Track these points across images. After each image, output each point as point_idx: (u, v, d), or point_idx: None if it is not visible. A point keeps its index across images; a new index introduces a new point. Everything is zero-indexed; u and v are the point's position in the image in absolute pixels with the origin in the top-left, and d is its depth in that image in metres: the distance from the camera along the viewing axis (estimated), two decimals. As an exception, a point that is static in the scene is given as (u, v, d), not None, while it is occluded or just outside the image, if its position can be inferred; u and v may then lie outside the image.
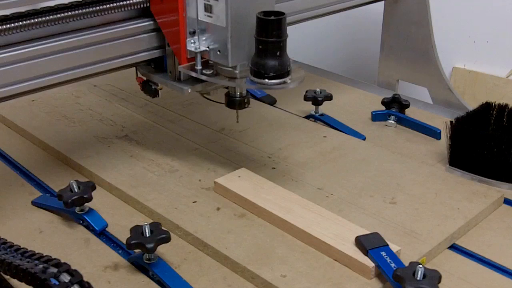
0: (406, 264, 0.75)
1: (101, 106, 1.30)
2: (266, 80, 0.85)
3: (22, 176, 1.05)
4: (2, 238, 0.75)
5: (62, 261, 0.67)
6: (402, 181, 1.00)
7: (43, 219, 0.92)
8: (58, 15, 0.86)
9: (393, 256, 0.78)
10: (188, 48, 0.91)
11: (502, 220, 0.93)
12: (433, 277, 0.73)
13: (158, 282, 0.79)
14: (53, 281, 0.65)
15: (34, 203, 0.96)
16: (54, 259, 0.68)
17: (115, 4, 0.91)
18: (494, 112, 1.04)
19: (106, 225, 0.90)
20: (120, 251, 0.85)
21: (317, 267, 0.80)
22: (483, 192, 0.97)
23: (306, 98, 1.24)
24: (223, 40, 0.87)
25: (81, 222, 0.91)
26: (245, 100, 0.98)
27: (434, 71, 1.43)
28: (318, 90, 1.24)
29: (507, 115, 1.03)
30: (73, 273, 0.66)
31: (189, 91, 0.95)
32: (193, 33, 0.91)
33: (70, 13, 0.87)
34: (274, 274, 0.78)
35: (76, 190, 0.89)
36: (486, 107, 1.06)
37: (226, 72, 0.90)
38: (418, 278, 0.72)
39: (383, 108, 1.26)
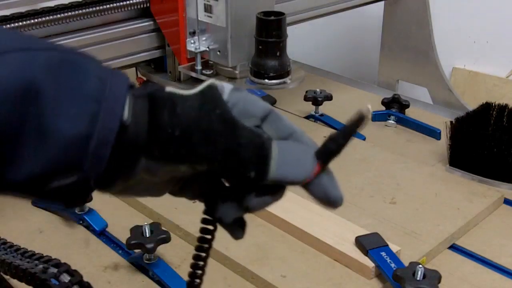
0: (406, 264, 0.75)
1: (101, 106, 1.30)
2: (266, 80, 0.85)
3: (22, 176, 1.05)
4: (2, 239, 0.75)
5: (62, 261, 0.68)
6: (402, 181, 1.00)
7: (43, 219, 0.92)
8: (58, 15, 0.86)
9: (393, 256, 0.78)
10: (188, 48, 0.91)
11: (502, 220, 0.93)
12: (433, 277, 0.73)
13: (158, 282, 0.79)
14: (53, 281, 0.65)
15: (34, 203, 0.96)
16: (54, 259, 0.68)
17: (115, 5, 0.91)
18: (494, 112, 1.04)
19: (106, 225, 0.90)
20: (120, 251, 0.85)
21: (317, 267, 0.80)
22: (483, 192, 0.97)
23: (306, 98, 1.24)
24: (223, 40, 0.88)
25: (81, 222, 0.91)
26: (245, 100, 0.98)
27: (434, 71, 1.44)
28: (318, 90, 1.24)
29: (507, 115, 1.03)
30: (73, 273, 0.66)
31: (189, 91, 0.95)
32: (193, 33, 0.91)
33: (70, 13, 0.87)
34: (274, 274, 0.78)
35: (76, 190, 0.89)
36: (486, 107, 1.06)
37: (226, 72, 0.90)
38: (418, 278, 0.72)
39: (383, 108, 1.26)
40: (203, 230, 0.53)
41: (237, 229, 0.52)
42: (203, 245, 0.54)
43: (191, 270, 0.55)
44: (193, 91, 0.45)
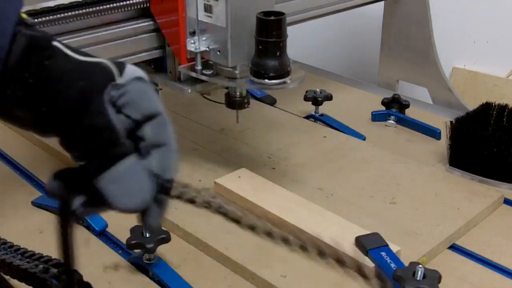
0: (406, 264, 0.75)
1: (101, 106, 1.30)
2: (266, 80, 0.85)
3: (22, 176, 1.05)
4: (2, 239, 0.75)
5: (62, 261, 0.67)
6: (402, 181, 1.00)
7: (43, 219, 0.92)
8: (58, 15, 0.86)
9: (393, 256, 0.78)
10: (188, 48, 0.91)
11: (502, 220, 0.93)
12: (433, 277, 0.73)
13: (158, 282, 0.79)
14: (54, 281, 0.65)
15: (34, 203, 0.96)
16: (54, 259, 0.68)
17: (115, 5, 0.91)
18: (494, 112, 1.04)
19: (106, 225, 0.90)
20: (120, 251, 0.85)
21: (317, 267, 0.80)
22: (483, 192, 0.97)
23: (306, 98, 1.24)
24: (223, 40, 0.87)
25: (81, 222, 0.91)
26: (245, 101, 0.98)
27: (434, 71, 1.43)
28: (318, 90, 1.24)
29: (507, 115, 1.03)
30: (73, 274, 0.66)
31: (189, 91, 0.95)
32: (193, 33, 0.91)
33: (70, 13, 0.87)
34: (274, 274, 0.78)
35: (76, 190, 0.89)
36: (486, 107, 1.06)
37: (226, 72, 0.90)
38: (418, 278, 0.72)
39: (383, 108, 1.26)
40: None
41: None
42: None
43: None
44: (82, 58, 0.46)
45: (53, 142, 1.21)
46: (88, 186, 0.46)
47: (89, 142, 0.45)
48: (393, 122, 1.23)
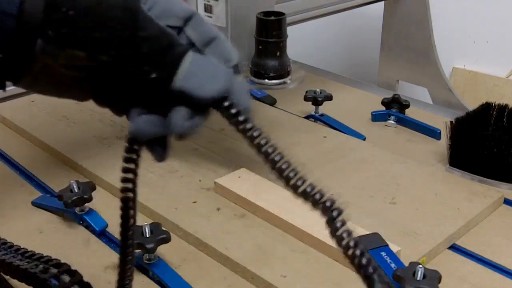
0: (406, 264, 0.75)
1: (101, 106, 1.30)
2: (266, 80, 0.85)
3: (22, 176, 1.05)
4: (2, 239, 0.75)
5: (62, 261, 0.67)
6: (402, 181, 1.00)
7: (43, 219, 0.92)
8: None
9: (393, 256, 0.78)
10: (188, 48, 0.91)
11: (502, 220, 0.93)
12: (433, 277, 0.73)
13: (158, 282, 0.79)
14: (53, 281, 0.65)
15: (34, 203, 0.96)
16: (54, 259, 0.68)
17: (115, 4, 0.91)
18: (494, 112, 1.04)
19: (106, 226, 0.90)
20: (120, 251, 0.85)
21: (317, 267, 0.80)
22: (483, 192, 0.97)
23: (306, 98, 1.24)
24: (223, 40, 0.88)
25: (81, 222, 0.91)
26: (245, 100, 0.98)
27: (434, 71, 1.44)
28: (318, 90, 1.24)
29: (507, 115, 1.03)
30: (73, 274, 0.66)
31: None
32: (193, 33, 0.91)
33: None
34: (274, 274, 0.78)
35: (76, 191, 0.89)
36: (486, 107, 1.06)
37: (226, 72, 0.90)
38: (418, 279, 0.72)
39: (383, 108, 1.26)
40: (126, 154, 0.52)
41: (155, 148, 0.51)
42: (128, 175, 0.53)
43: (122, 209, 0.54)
44: None
45: (53, 142, 1.22)
46: (164, 96, 0.46)
47: (150, 53, 0.44)
48: (393, 122, 1.23)
